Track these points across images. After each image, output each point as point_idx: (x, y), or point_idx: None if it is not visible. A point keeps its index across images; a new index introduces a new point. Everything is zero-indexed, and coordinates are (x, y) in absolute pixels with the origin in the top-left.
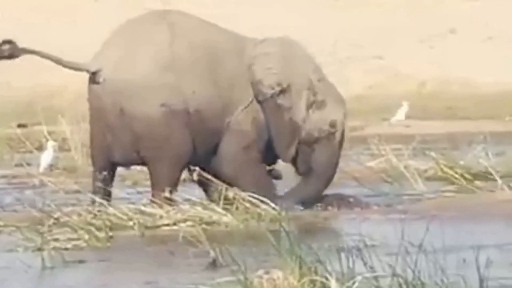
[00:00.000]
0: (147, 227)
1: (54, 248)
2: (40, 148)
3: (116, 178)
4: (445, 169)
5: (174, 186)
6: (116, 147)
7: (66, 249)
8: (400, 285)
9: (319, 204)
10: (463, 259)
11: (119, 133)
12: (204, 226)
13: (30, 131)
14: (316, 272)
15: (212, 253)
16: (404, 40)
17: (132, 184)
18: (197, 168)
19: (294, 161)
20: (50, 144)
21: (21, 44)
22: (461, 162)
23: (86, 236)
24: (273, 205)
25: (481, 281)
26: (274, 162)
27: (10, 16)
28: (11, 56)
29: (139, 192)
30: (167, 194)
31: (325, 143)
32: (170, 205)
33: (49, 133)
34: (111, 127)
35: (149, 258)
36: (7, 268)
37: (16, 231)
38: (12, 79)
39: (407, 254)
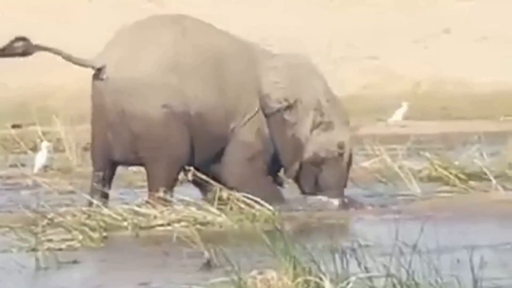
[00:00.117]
0: (141, 228)
1: (48, 249)
2: (35, 148)
3: None
4: (440, 170)
5: (170, 187)
6: (116, 146)
7: (60, 249)
8: (394, 285)
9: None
10: (457, 259)
11: (119, 131)
12: (198, 226)
13: (24, 132)
14: (310, 273)
15: (206, 254)
16: (398, 40)
17: (127, 185)
18: (192, 168)
19: (297, 179)
20: (45, 145)
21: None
22: (456, 163)
23: (80, 237)
24: (267, 205)
25: (475, 281)
26: (279, 170)
27: (4, 16)
28: (24, 53)
29: (130, 193)
30: (161, 194)
31: (333, 164)
32: (164, 205)
33: (44, 133)
34: (111, 126)
35: (143, 259)
36: (1, 268)
37: (10, 231)
38: (7, 80)
39: (401, 254)
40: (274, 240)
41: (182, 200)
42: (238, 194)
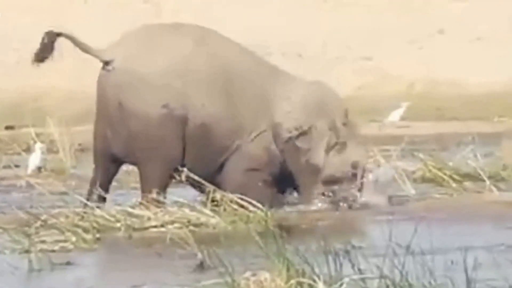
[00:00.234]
0: (134, 229)
1: (41, 250)
2: (28, 150)
3: None
4: (434, 170)
5: (163, 188)
6: (115, 142)
7: (53, 251)
8: (387, 286)
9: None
10: (451, 260)
11: (117, 127)
12: (191, 228)
13: (18, 133)
14: (303, 274)
15: (199, 255)
16: (393, 41)
17: (119, 186)
18: (185, 169)
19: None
20: (38, 146)
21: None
22: (450, 163)
23: (74, 238)
24: (261, 207)
25: (468, 282)
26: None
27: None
28: (53, 43)
29: (124, 194)
30: (154, 196)
31: (347, 184)
32: (158, 206)
33: (37, 134)
34: (111, 120)
35: (137, 260)
36: None
37: (3, 233)
38: None
39: (394, 255)
40: (267, 241)
41: (175, 202)
42: (231, 196)
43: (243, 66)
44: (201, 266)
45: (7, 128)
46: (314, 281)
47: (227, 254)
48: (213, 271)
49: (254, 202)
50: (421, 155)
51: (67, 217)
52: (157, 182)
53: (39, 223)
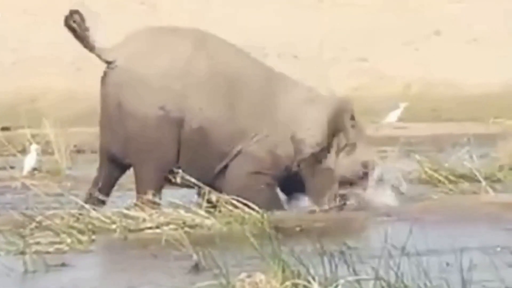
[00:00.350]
0: (130, 231)
1: (36, 252)
2: (24, 151)
3: None
4: (429, 172)
5: (158, 189)
6: (113, 142)
7: (48, 252)
8: None
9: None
10: (446, 262)
11: (116, 127)
12: (187, 229)
13: (13, 134)
14: (299, 276)
15: (194, 257)
16: (389, 42)
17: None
18: (180, 171)
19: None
20: (34, 148)
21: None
22: (446, 164)
23: (69, 240)
24: (256, 208)
25: (464, 284)
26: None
27: None
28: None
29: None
30: (149, 197)
31: (360, 183)
32: (153, 208)
33: (33, 136)
34: (110, 120)
35: (132, 262)
36: None
37: None
38: None
39: (390, 257)
40: (263, 243)
41: (170, 203)
42: (226, 197)
43: (243, 70)
44: (196, 268)
45: (3, 129)
46: (309, 282)
47: (222, 256)
48: (208, 273)
49: (249, 203)
50: (417, 157)
51: (62, 218)
52: (152, 184)
53: (34, 224)
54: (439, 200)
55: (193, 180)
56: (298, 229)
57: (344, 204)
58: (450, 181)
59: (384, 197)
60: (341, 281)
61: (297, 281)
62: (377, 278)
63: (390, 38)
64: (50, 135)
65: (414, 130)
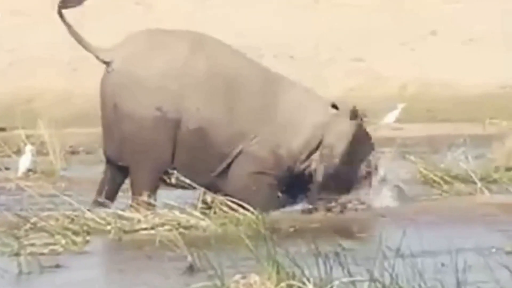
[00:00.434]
0: (125, 232)
1: (31, 253)
2: (19, 152)
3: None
4: (425, 172)
5: (153, 191)
6: (110, 143)
7: (43, 254)
8: None
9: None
10: (441, 263)
11: (112, 128)
12: (182, 230)
13: (9, 135)
14: (293, 277)
15: (189, 258)
16: (385, 42)
17: None
18: (175, 172)
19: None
20: (28, 149)
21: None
22: (441, 165)
23: (63, 241)
24: (251, 209)
25: (459, 285)
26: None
27: None
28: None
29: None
30: (145, 198)
31: (363, 183)
32: (148, 209)
33: (28, 136)
34: (107, 121)
35: (127, 263)
36: None
37: None
38: None
39: (384, 258)
40: (258, 244)
41: (165, 204)
42: (221, 198)
43: (241, 71)
44: (191, 269)
45: None
46: (304, 284)
47: (217, 257)
48: (203, 274)
49: (244, 204)
50: (412, 158)
51: (57, 219)
52: (147, 185)
53: (28, 225)
54: (435, 201)
55: (187, 181)
56: (292, 229)
57: (345, 207)
58: (446, 182)
59: (386, 198)
60: (336, 282)
61: (291, 282)
62: (372, 279)
63: (386, 38)
64: (44, 135)
65: (409, 131)
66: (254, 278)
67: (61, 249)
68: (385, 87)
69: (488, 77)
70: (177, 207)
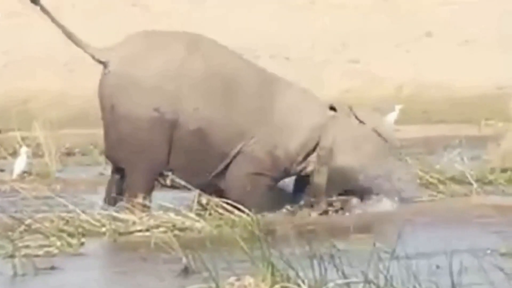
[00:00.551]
0: (120, 233)
1: (26, 255)
2: (14, 154)
3: (90, 184)
4: (420, 174)
5: (148, 192)
6: (107, 145)
7: (38, 256)
8: None
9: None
10: (436, 265)
11: (109, 129)
12: (177, 232)
13: (4, 137)
14: (288, 279)
15: (184, 260)
16: (380, 44)
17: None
18: (170, 174)
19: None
20: (24, 150)
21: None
22: (437, 166)
23: (58, 243)
24: (247, 211)
25: (453, 287)
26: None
27: None
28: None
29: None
30: (140, 200)
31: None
32: (143, 211)
33: (24, 138)
34: (105, 123)
35: (122, 265)
36: None
37: None
38: None
39: (379, 260)
40: (253, 246)
41: (161, 206)
42: (217, 200)
43: (239, 71)
44: (186, 271)
45: None
46: (299, 285)
47: (212, 259)
48: (198, 276)
49: (240, 206)
50: (407, 159)
51: (52, 221)
52: (142, 187)
53: (23, 227)
54: (430, 203)
55: (183, 182)
56: (288, 232)
57: (342, 208)
58: (441, 183)
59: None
60: (331, 284)
61: (286, 284)
62: (367, 281)
63: (382, 39)
64: (40, 137)
65: (405, 132)
66: (248, 280)
67: (56, 251)
68: (381, 89)
69: (483, 78)
70: (172, 208)
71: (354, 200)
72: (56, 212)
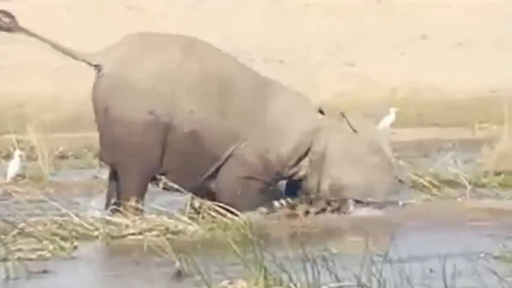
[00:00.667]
0: (112, 237)
1: (18, 259)
2: (8, 157)
3: (83, 187)
4: (414, 177)
5: (141, 196)
6: (102, 147)
7: (30, 259)
8: None
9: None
10: (429, 268)
11: (102, 132)
12: (169, 235)
13: None
14: (281, 283)
15: (177, 263)
16: (375, 46)
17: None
18: (163, 177)
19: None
20: (17, 154)
21: None
22: (430, 170)
23: (51, 246)
24: (240, 214)
25: None
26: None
27: None
28: (8, 29)
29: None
30: (133, 203)
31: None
32: (136, 214)
33: (18, 141)
34: (99, 125)
35: (114, 268)
36: None
37: None
38: None
39: (372, 263)
40: (246, 249)
41: (153, 209)
42: (209, 203)
43: (233, 74)
44: (178, 274)
45: None
46: None
47: (205, 262)
48: (191, 279)
49: (232, 209)
50: (401, 162)
51: (44, 225)
52: (135, 190)
53: (16, 231)
54: (423, 206)
55: (175, 186)
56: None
57: (339, 208)
58: (435, 186)
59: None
60: (324, 287)
61: (279, 287)
62: (360, 285)
63: (376, 42)
64: (33, 140)
65: (400, 136)
66: (241, 283)
67: (48, 255)
68: (376, 91)
69: (478, 81)
70: (165, 212)
71: (351, 201)
72: (49, 215)
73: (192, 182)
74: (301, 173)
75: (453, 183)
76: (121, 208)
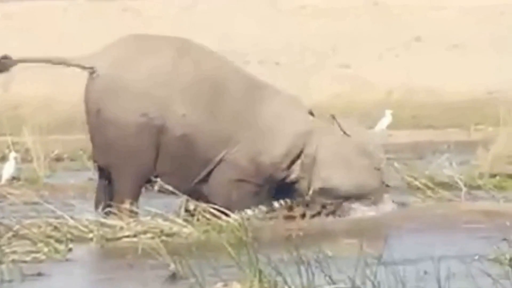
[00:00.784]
0: (107, 239)
1: (13, 261)
2: (3, 159)
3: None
4: (409, 179)
5: (136, 198)
6: (94, 150)
7: (25, 262)
8: None
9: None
10: (423, 270)
11: (94, 134)
12: (164, 238)
13: None
14: (276, 285)
15: (172, 266)
16: (370, 48)
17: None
18: (158, 180)
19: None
20: (12, 156)
21: None
22: (426, 172)
23: (46, 249)
24: (234, 216)
25: None
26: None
27: None
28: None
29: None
30: (127, 206)
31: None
32: (130, 216)
33: (14, 143)
34: (90, 127)
35: (108, 271)
36: None
37: None
38: None
39: (366, 266)
40: (240, 251)
41: (148, 211)
42: (204, 205)
43: (227, 76)
44: (173, 277)
45: None
46: None
47: (200, 265)
48: (185, 282)
49: (227, 211)
50: (396, 165)
51: (39, 227)
52: (130, 192)
53: (11, 233)
54: (417, 208)
55: (170, 188)
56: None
57: (334, 211)
58: (429, 188)
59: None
60: None
61: None
62: (354, 287)
63: (371, 44)
64: (28, 142)
65: (394, 137)
66: (236, 286)
67: (43, 257)
68: (371, 93)
69: (473, 83)
70: (160, 214)
71: (347, 204)
72: (44, 218)
73: (185, 185)
74: (294, 176)
75: (448, 185)
76: (115, 210)
